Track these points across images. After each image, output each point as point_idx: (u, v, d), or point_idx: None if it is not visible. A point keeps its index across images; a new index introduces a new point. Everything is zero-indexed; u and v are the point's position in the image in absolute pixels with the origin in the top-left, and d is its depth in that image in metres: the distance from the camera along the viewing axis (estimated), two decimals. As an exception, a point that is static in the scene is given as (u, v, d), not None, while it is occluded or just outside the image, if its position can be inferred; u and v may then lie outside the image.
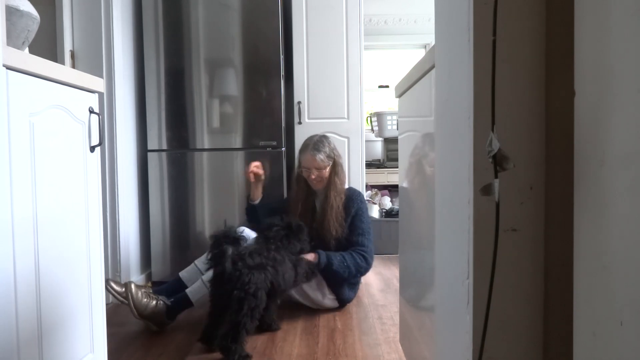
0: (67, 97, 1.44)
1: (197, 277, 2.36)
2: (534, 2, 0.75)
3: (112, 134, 2.58)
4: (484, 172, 0.75)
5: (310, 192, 2.65)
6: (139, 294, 2.16)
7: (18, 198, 1.19)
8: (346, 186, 2.65)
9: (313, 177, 2.54)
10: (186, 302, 2.22)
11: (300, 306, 2.50)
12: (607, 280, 0.60)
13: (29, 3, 1.39)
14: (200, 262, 2.42)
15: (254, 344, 2.04)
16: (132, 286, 2.16)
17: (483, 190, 0.68)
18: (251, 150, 2.91)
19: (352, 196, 2.59)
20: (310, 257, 2.38)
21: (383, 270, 3.32)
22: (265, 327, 2.19)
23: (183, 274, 2.41)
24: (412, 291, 1.52)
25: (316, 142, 2.57)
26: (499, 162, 0.65)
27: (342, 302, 2.51)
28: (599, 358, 0.63)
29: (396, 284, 2.87)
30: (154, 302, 2.19)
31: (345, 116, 3.01)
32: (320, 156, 2.53)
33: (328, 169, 2.56)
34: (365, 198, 2.72)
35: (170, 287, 2.35)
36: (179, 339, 2.11)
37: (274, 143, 2.90)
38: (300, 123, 3.01)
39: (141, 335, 2.18)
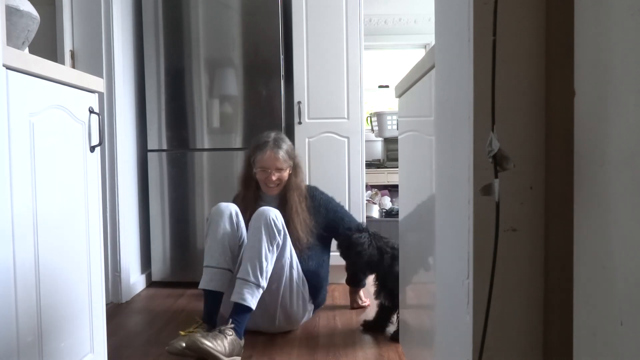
0: (67, 97, 1.44)
1: (224, 277, 2.01)
2: (534, 2, 0.75)
3: (112, 134, 2.58)
4: (484, 172, 0.75)
5: (257, 196, 2.32)
6: (209, 339, 1.78)
7: (18, 198, 1.19)
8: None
9: (274, 178, 2.21)
10: (248, 312, 1.94)
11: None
12: (607, 280, 0.60)
13: (29, 3, 1.39)
14: (213, 259, 2.02)
15: (254, 343, 2.04)
16: (197, 336, 1.76)
17: (483, 190, 0.68)
18: (251, 150, 2.91)
19: (311, 194, 2.35)
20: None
21: (383, 270, 3.32)
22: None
23: (210, 284, 2.01)
24: (412, 291, 1.52)
25: (276, 139, 2.24)
26: (499, 162, 0.65)
27: (320, 301, 2.33)
28: (599, 358, 0.62)
29: (396, 284, 2.87)
30: (226, 337, 1.83)
31: (345, 116, 3.01)
32: (283, 155, 2.21)
33: (289, 170, 2.27)
34: (321, 192, 2.44)
35: (211, 309, 2.01)
36: (179, 339, 2.10)
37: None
38: (300, 123, 3.01)
39: (141, 335, 2.18)
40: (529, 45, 0.76)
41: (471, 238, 0.78)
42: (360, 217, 3.02)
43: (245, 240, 2.08)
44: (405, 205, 1.66)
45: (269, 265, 1.97)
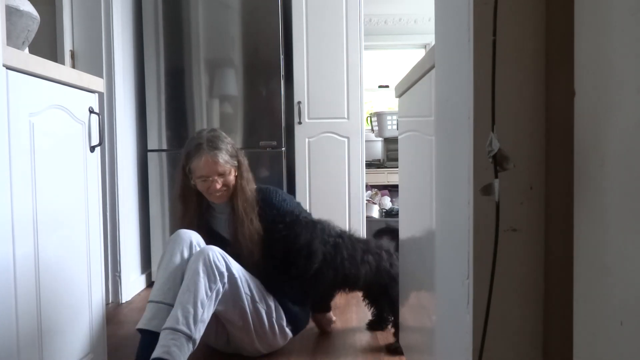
0: (67, 97, 1.44)
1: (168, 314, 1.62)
2: (534, 2, 0.75)
3: (112, 134, 2.58)
4: (484, 172, 0.75)
5: (201, 209, 1.93)
6: None
7: (18, 198, 1.19)
8: (254, 186, 1.97)
9: (218, 187, 1.82)
10: None
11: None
12: (607, 280, 0.60)
13: (29, 3, 1.39)
14: (159, 292, 1.67)
15: (254, 344, 2.04)
16: None
17: (483, 190, 0.68)
18: (251, 150, 2.91)
19: (270, 200, 1.95)
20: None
21: (383, 270, 3.32)
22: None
23: (150, 323, 1.64)
24: (412, 291, 1.52)
25: (211, 139, 1.83)
26: (499, 162, 0.65)
27: (301, 326, 1.99)
28: (599, 358, 0.62)
29: (396, 284, 2.87)
30: None
31: (345, 116, 3.01)
32: (223, 156, 1.82)
33: (234, 172, 1.87)
34: (282, 191, 2.07)
35: (147, 354, 1.57)
36: (179, 339, 2.10)
37: (274, 143, 2.90)
38: (300, 123, 3.01)
39: (141, 335, 2.17)
40: (529, 46, 0.76)
41: (471, 238, 0.77)
42: (360, 217, 3.02)
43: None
44: (405, 205, 1.66)
45: (205, 314, 1.61)
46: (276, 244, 1.88)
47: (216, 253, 1.68)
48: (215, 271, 1.64)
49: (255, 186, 1.96)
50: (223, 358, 1.92)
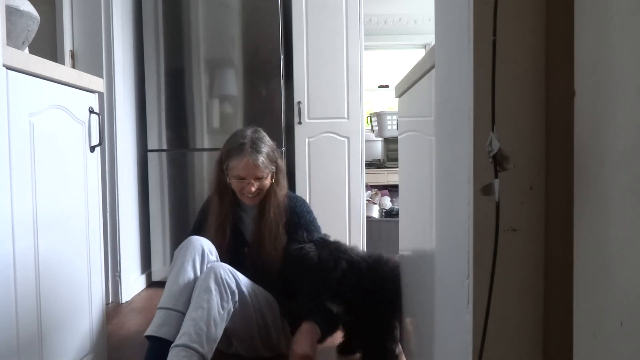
0: (67, 97, 1.44)
1: (180, 322, 1.58)
2: (534, 2, 0.75)
3: (112, 134, 2.58)
4: (484, 172, 0.75)
5: (235, 206, 1.92)
6: None
7: (18, 198, 1.19)
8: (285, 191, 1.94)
9: (253, 189, 1.80)
10: None
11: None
12: (607, 280, 0.60)
13: (29, 3, 1.40)
14: (169, 299, 1.63)
15: (254, 344, 2.03)
16: None
17: (483, 190, 0.68)
18: (251, 150, 2.91)
19: (295, 208, 1.92)
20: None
21: (383, 270, 3.31)
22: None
23: (161, 329, 1.59)
24: (412, 291, 1.52)
25: (254, 140, 1.81)
26: (499, 162, 0.65)
27: None
28: (599, 358, 0.62)
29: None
30: None
31: (345, 116, 3.01)
32: (264, 161, 1.79)
33: (270, 177, 1.84)
34: (308, 206, 2.00)
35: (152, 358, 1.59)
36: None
37: (274, 143, 2.90)
38: (300, 123, 3.01)
39: (141, 335, 2.17)
40: (529, 45, 0.76)
41: (471, 238, 0.77)
42: (360, 217, 3.02)
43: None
44: (405, 205, 1.66)
45: (217, 332, 1.56)
46: (290, 253, 1.80)
47: (226, 270, 1.64)
48: (227, 289, 1.61)
49: (286, 192, 1.94)
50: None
